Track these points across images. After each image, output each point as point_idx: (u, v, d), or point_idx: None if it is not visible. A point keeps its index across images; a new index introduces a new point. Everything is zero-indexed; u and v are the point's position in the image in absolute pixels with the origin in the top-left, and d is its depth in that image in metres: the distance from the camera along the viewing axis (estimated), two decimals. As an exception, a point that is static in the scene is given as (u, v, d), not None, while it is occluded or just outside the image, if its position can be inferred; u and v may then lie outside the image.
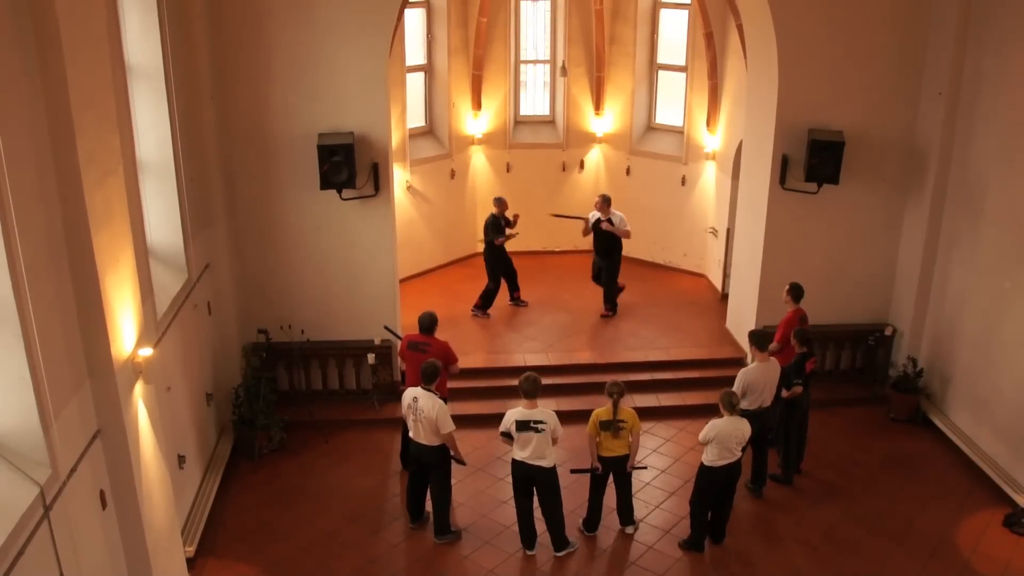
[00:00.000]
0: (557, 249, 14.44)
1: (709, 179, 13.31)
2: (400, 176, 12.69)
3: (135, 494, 6.05)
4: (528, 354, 10.95)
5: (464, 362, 9.51)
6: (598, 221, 11.73)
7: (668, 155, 13.55)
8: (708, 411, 9.17)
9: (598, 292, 12.26)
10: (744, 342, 10.45)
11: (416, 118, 13.23)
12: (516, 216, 11.81)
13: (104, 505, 5.87)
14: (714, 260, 13.21)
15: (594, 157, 14.20)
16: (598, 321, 11.99)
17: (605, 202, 11.65)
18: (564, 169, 14.17)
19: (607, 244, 11.96)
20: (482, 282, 12.22)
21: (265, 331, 9.80)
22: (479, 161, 14.00)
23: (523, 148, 13.96)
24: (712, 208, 13.29)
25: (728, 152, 12.46)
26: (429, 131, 13.51)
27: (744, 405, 8.30)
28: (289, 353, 9.96)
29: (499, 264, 11.94)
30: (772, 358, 8.63)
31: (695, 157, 13.35)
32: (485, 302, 11.94)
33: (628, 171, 13.97)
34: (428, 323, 8.55)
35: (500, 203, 11.73)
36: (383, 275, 10.04)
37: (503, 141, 13.89)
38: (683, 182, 13.57)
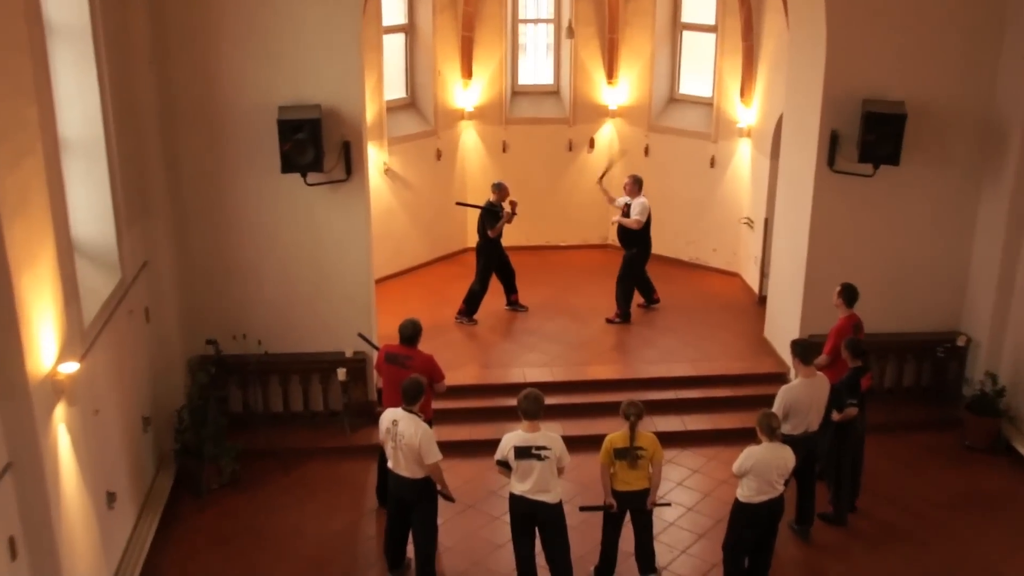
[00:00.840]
0: (563, 244, 14.47)
1: (743, 160, 13.28)
2: (376, 157, 12.70)
3: (53, 541, 5.95)
4: (528, 368, 11.01)
5: (452, 378, 9.45)
6: (627, 206, 11.88)
7: (694, 132, 13.59)
8: (744, 437, 8.96)
9: (610, 294, 12.27)
10: (786, 354, 10.32)
11: (395, 88, 13.26)
12: (514, 203, 11.87)
13: (14, 555, 5.78)
14: (750, 256, 13.21)
15: (606, 134, 14.21)
16: (611, 329, 12.05)
17: (636, 184, 11.80)
18: (571, 149, 14.20)
19: (623, 234, 12.04)
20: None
21: (214, 342, 9.79)
22: (470, 139, 14.02)
23: (522, 124, 14.02)
24: (747, 194, 13.26)
25: (766, 127, 12.47)
26: (411, 104, 13.56)
27: (787, 429, 8.28)
28: (243, 368, 9.96)
29: (492, 262, 12.02)
30: (820, 373, 8.62)
31: (727, 134, 13.36)
32: (470, 307, 12.00)
33: (647, 151, 13.96)
34: (410, 332, 8.57)
35: (499, 189, 11.79)
36: (356, 275, 10.06)
37: (498, 116, 13.95)
38: (712, 163, 13.56)
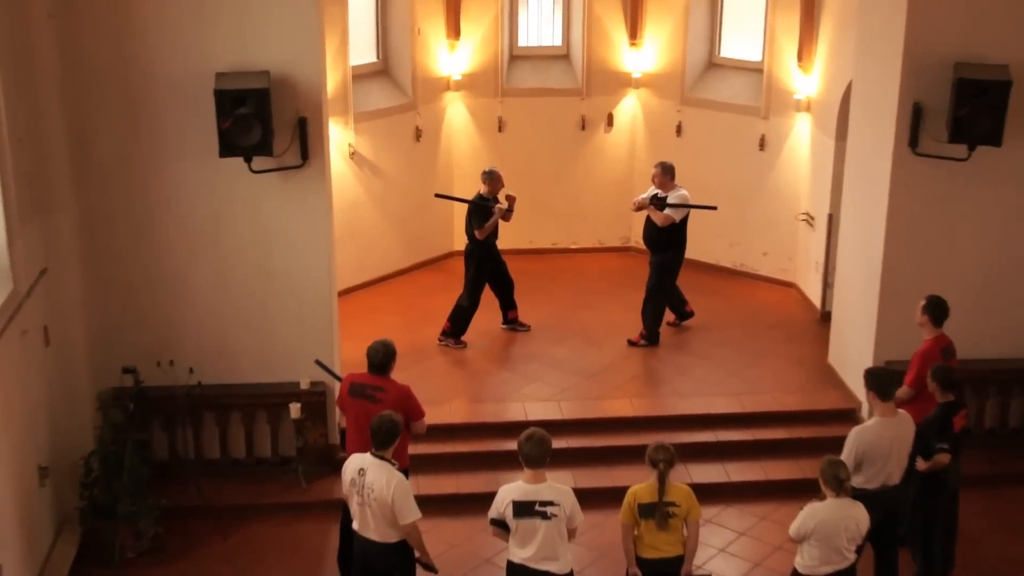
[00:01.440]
0: (574, 246, 14.58)
1: (801, 140, 13.31)
2: (340, 137, 12.76)
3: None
4: (531, 403, 11.04)
5: (435, 415, 9.55)
6: (655, 198, 11.91)
7: (739, 105, 13.62)
8: (803, 490, 8.97)
9: (633, 310, 12.32)
10: (857, 386, 10.21)
11: (364, 52, 13.34)
12: (511, 198, 11.97)
13: None
14: (809, 262, 13.21)
15: (628, 109, 14.29)
16: (634, 354, 12.05)
17: (665, 173, 11.85)
18: (584, 127, 14.27)
19: (653, 234, 11.97)
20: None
21: (133, 370, 9.71)
22: (457, 115, 14.09)
23: (523, 96, 14.08)
24: (806, 184, 13.30)
25: (830, 100, 12.48)
26: (383, 70, 13.64)
27: (859, 482, 8.26)
28: (170, 403, 9.92)
29: (484, 270, 12.03)
30: (901, 411, 8.59)
31: (780, 108, 13.36)
32: (456, 326, 12.09)
33: (679, 130, 14.01)
34: (382, 358, 8.56)
35: (491, 179, 11.88)
36: (314, 286, 10.12)
37: (493, 86, 13.99)
38: (762, 145, 13.57)
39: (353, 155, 13.10)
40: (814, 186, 13.09)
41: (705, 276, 13.64)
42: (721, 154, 13.77)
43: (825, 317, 12.49)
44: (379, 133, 13.30)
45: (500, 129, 14.12)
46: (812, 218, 13.07)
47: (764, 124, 13.56)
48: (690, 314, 12.61)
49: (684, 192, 11.85)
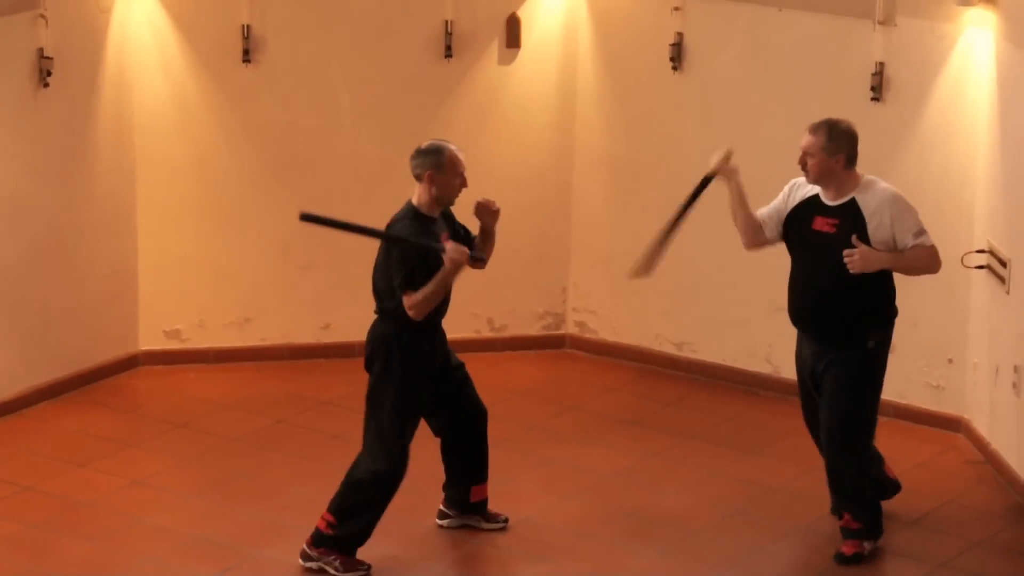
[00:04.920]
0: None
1: (973, 76, 12.57)
2: None
3: None
4: None
5: None
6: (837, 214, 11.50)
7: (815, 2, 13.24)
8: None
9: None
10: None
11: None
12: (486, 207, 11.38)
13: None
14: (992, 367, 12.49)
15: (556, 6, 13.99)
16: None
17: (834, 146, 11.11)
18: (450, 51, 13.78)
19: (838, 296, 11.15)
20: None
21: None
22: (140, 23, 13.37)
23: None
24: (983, 183, 12.61)
25: None
26: None
27: None
28: None
29: (415, 387, 11.40)
30: None
31: (918, 4, 12.72)
32: (343, 530, 11.25)
33: (678, 54, 13.48)
34: None
35: (438, 167, 11.27)
36: None
37: None
38: (878, 90, 12.90)
39: None
40: (1005, 184, 12.18)
41: (743, 402, 13.06)
42: (775, 111, 13.17)
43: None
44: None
45: (246, 57, 13.38)
46: (1003, 262, 12.15)
47: (882, 39, 12.82)
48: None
49: (889, 190, 11.05)
